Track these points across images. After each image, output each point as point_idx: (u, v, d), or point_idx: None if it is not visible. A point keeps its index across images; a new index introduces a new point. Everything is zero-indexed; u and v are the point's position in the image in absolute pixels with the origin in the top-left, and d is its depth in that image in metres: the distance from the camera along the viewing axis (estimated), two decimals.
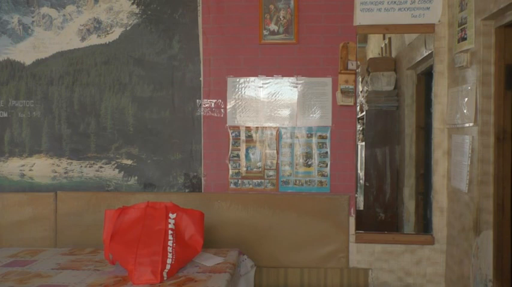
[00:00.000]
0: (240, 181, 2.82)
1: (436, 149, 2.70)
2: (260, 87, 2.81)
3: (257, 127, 2.81)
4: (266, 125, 2.81)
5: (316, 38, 2.75)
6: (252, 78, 2.81)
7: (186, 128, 2.86)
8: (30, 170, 2.97)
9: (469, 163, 2.29)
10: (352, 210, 2.74)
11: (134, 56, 2.89)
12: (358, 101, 2.81)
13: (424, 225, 2.94)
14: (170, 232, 2.05)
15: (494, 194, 2.17)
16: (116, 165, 2.91)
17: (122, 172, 2.91)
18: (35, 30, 2.95)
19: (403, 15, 2.70)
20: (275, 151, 2.80)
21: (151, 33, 2.87)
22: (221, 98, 2.83)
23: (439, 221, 2.69)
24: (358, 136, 2.90)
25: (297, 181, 2.79)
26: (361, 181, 3.35)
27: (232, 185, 2.82)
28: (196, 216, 2.17)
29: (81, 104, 2.93)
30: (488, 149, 2.18)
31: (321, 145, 2.77)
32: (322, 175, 2.77)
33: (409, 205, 3.18)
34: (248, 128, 2.82)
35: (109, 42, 2.92)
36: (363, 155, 3.40)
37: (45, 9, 2.95)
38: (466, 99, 2.34)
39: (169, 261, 1.98)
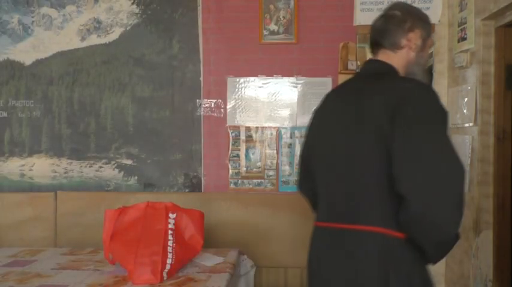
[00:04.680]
0: (240, 181, 2.82)
1: None
2: (260, 87, 2.81)
3: (257, 127, 2.81)
4: (266, 125, 2.81)
5: (316, 38, 2.75)
6: (252, 78, 2.81)
7: (186, 128, 2.86)
8: (30, 170, 2.97)
9: (469, 163, 2.29)
10: None
11: (134, 56, 2.89)
12: None
13: None
14: (170, 232, 2.05)
15: (494, 194, 2.17)
16: (115, 165, 2.91)
17: (122, 172, 2.91)
18: (35, 30, 2.95)
19: None
20: (275, 151, 2.80)
21: (151, 33, 2.87)
22: (221, 98, 2.83)
23: None
24: None
25: (297, 181, 2.78)
26: None
27: (232, 185, 2.82)
28: (196, 216, 2.17)
29: (81, 104, 2.93)
30: (488, 149, 2.18)
31: None
32: None
33: None
34: (248, 128, 2.82)
35: (109, 42, 2.92)
36: None
37: (45, 9, 2.95)
38: (466, 99, 2.34)
39: (169, 261, 1.98)
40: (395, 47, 1.37)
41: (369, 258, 1.23)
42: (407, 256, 1.22)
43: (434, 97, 1.23)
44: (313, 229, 1.46)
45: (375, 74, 1.37)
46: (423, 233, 1.18)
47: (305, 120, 2.78)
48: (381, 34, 1.39)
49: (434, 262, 1.26)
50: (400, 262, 1.22)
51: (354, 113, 1.30)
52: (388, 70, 1.36)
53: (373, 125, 1.23)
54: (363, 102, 1.28)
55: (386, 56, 1.39)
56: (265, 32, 2.78)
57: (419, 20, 1.38)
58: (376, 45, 1.42)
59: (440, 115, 1.21)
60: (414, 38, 1.36)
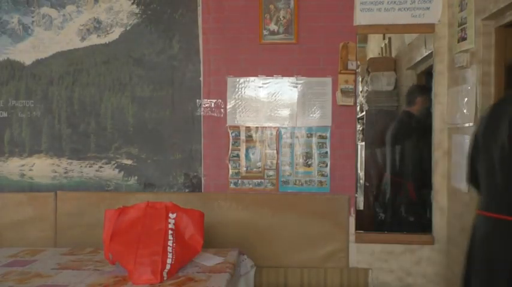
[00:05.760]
0: (240, 181, 2.82)
1: (436, 149, 2.70)
2: (260, 87, 2.81)
3: (257, 127, 2.81)
4: (266, 125, 2.81)
5: (316, 38, 2.75)
6: (252, 78, 2.81)
7: (186, 128, 2.86)
8: (30, 170, 2.97)
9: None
10: (352, 210, 2.74)
11: (134, 56, 2.89)
12: (358, 101, 2.81)
13: (424, 225, 2.93)
14: (170, 232, 2.05)
15: None
16: (115, 165, 2.91)
17: (122, 172, 2.91)
18: (35, 30, 2.95)
19: (403, 15, 2.70)
20: (275, 151, 2.80)
21: (151, 33, 2.87)
22: (221, 98, 2.83)
23: (439, 221, 2.69)
24: (358, 136, 2.90)
25: (297, 181, 2.79)
26: (361, 181, 3.35)
27: (232, 185, 2.82)
28: (196, 216, 2.17)
29: (81, 104, 2.93)
30: None
31: (320, 145, 2.77)
32: (322, 175, 2.77)
33: (409, 204, 3.18)
34: (248, 128, 2.82)
35: (109, 42, 2.92)
36: (363, 155, 3.39)
37: (45, 9, 2.95)
38: (466, 99, 2.34)
39: (169, 261, 1.98)
40: None
41: None
42: None
43: None
44: (475, 216, 1.84)
45: None
46: None
47: (305, 120, 2.78)
48: None
49: None
50: None
51: None
52: None
53: None
54: None
55: None
56: (265, 32, 2.78)
57: None
58: None
59: None
60: None
